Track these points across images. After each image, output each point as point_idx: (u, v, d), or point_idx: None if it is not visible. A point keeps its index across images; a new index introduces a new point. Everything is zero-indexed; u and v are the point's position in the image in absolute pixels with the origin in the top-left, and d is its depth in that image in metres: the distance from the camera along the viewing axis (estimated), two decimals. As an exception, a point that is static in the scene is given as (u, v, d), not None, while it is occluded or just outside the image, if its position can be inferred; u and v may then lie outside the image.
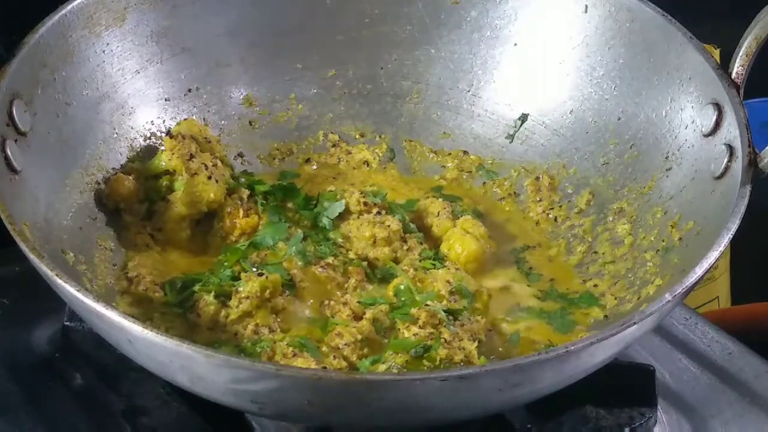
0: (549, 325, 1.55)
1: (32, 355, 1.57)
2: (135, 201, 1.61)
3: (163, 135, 1.68)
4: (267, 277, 1.49)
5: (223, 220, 1.61)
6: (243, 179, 1.68)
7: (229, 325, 1.47)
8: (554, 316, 1.56)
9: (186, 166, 1.60)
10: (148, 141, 1.68)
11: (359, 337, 1.45)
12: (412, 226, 1.63)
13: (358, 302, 1.51)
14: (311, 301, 1.53)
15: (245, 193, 1.64)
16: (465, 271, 1.57)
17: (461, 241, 1.61)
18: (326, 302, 1.52)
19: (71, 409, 1.51)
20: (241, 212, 1.61)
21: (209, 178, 1.60)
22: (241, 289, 1.48)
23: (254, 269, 1.52)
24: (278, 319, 1.49)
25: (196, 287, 1.50)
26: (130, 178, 1.61)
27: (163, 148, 1.63)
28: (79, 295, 1.28)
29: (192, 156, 1.61)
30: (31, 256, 1.32)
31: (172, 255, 1.61)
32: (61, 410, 1.50)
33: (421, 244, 1.62)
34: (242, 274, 1.51)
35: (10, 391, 1.52)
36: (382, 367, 1.43)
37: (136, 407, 1.49)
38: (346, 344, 1.45)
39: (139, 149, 1.67)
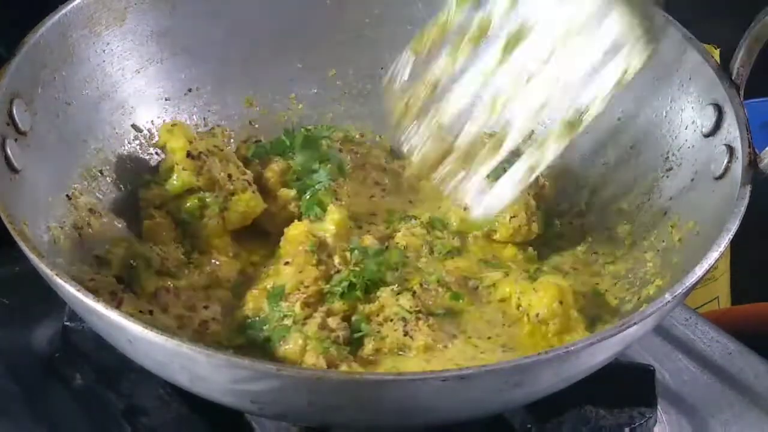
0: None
1: (32, 355, 1.57)
2: (173, 242, 1.56)
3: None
4: None
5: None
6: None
7: None
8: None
9: (219, 185, 1.56)
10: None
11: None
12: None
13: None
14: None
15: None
16: None
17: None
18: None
19: (71, 409, 1.51)
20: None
21: (250, 191, 1.58)
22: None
23: None
24: None
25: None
26: (161, 218, 1.57)
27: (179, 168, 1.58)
28: (79, 295, 1.28)
29: (220, 173, 1.57)
30: (31, 256, 1.32)
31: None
32: (61, 410, 1.51)
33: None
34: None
35: (10, 391, 1.52)
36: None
37: (136, 407, 1.49)
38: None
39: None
